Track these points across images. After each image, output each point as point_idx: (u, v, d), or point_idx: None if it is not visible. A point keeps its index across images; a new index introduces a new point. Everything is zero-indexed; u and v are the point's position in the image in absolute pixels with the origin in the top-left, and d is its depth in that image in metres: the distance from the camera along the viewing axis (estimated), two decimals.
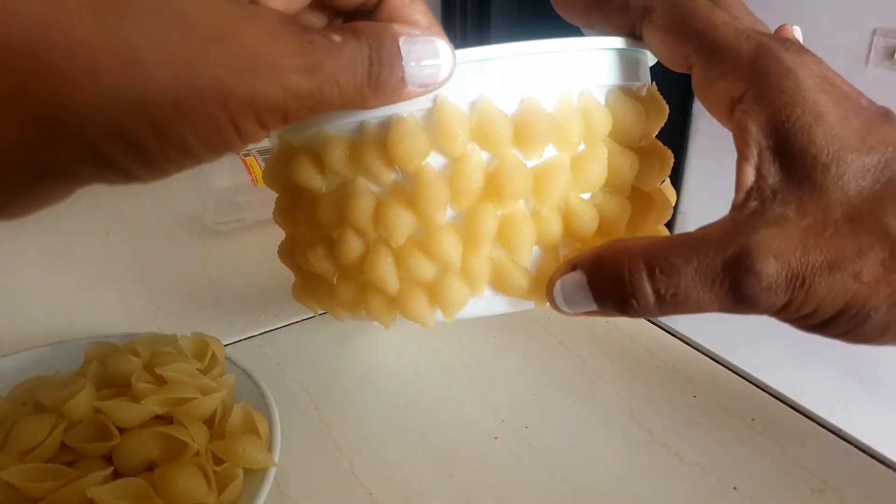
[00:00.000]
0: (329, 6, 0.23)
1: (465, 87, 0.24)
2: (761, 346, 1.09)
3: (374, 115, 0.25)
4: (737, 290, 0.20)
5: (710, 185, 1.13)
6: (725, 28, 0.22)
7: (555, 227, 0.26)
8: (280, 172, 0.29)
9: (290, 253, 0.31)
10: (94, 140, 0.17)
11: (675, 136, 1.12)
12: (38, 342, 0.34)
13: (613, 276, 0.22)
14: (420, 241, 0.26)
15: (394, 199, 0.25)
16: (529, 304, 0.28)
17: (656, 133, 0.29)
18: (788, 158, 0.21)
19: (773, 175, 0.21)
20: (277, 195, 0.30)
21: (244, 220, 0.52)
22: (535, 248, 0.26)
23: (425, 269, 0.26)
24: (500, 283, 0.26)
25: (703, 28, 0.23)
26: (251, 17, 0.18)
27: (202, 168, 0.50)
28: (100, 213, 0.55)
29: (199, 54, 0.17)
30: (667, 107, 0.28)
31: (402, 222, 0.25)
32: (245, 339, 0.39)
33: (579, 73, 0.26)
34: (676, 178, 1.14)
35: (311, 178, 0.27)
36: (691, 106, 1.12)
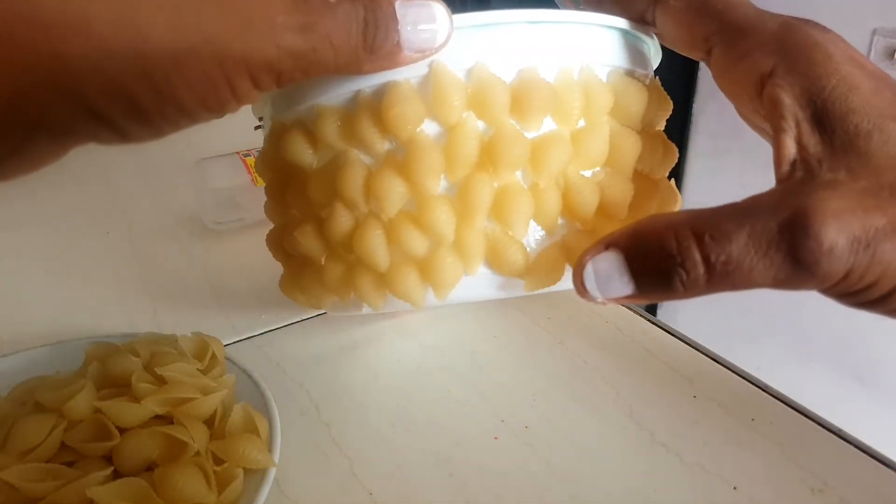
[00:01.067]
0: None
1: (463, 53, 0.24)
2: (761, 346, 1.09)
3: (368, 83, 0.24)
4: (794, 255, 0.19)
5: (710, 185, 1.13)
6: (745, 8, 0.22)
7: (553, 202, 0.25)
8: (272, 154, 0.28)
9: (279, 239, 0.30)
10: (88, 94, 0.16)
11: (675, 136, 1.12)
12: (38, 342, 0.34)
13: (657, 247, 0.20)
14: (412, 213, 0.25)
15: (386, 168, 0.25)
16: (522, 291, 0.27)
17: (661, 126, 0.29)
18: (828, 128, 0.20)
19: (814, 145, 0.20)
20: (267, 182, 0.30)
21: (244, 220, 0.52)
22: (533, 224, 0.25)
23: (417, 242, 0.25)
24: (495, 260, 0.26)
25: (723, 9, 0.23)
26: None
27: (202, 168, 0.50)
28: (100, 213, 0.55)
29: (194, 9, 0.17)
30: (670, 100, 0.28)
31: (394, 192, 0.24)
32: (245, 338, 0.39)
33: (582, 48, 0.25)
34: (676, 179, 1.13)
35: (302, 153, 0.26)
36: (691, 106, 1.12)
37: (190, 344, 0.32)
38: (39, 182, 0.60)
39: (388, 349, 0.38)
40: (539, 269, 0.26)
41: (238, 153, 0.53)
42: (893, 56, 0.86)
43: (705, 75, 1.09)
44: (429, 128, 0.24)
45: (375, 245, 0.25)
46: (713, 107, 1.09)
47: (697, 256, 0.19)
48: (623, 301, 0.22)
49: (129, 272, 0.47)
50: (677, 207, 0.29)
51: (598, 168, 0.26)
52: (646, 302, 0.22)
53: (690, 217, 0.20)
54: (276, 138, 0.27)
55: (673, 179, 0.30)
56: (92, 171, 0.62)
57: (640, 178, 0.27)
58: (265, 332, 0.39)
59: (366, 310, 0.28)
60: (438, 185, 0.24)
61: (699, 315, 1.19)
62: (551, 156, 0.24)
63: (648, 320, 0.39)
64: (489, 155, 0.24)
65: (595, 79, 0.25)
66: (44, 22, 0.15)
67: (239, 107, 0.19)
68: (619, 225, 0.26)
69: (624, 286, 0.21)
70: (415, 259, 0.26)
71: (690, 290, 0.20)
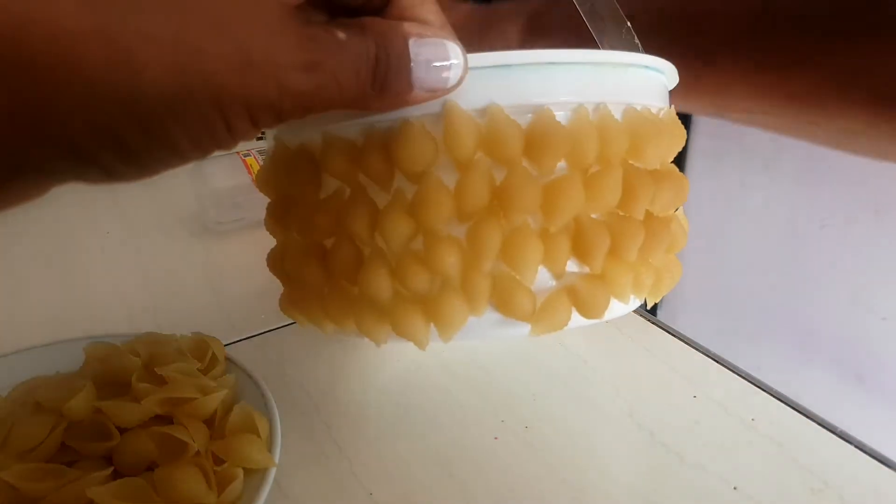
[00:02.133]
0: (334, 2, 0.21)
1: (476, 93, 0.23)
2: (761, 346, 1.09)
3: (379, 119, 0.24)
4: None
5: (711, 185, 1.13)
6: None
7: (563, 246, 0.24)
8: (274, 176, 0.28)
9: (280, 261, 0.29)
10: (75, 138, 0.16)
11: None
12: (39, 342, 0.34)
13: None
14: (419, 253, 0.24)
15: (394, 207, 0.24)
16: (528, 334, 0.26)
17: (672, 159, 0.28)
18: None
19: None
20: (269, 201, 0.29)
21: (244, 220, 0.52)
22: (542, 270, 0.25)
23: (422, 281, 0.24)
24: (501, 304, 0.25)
25: None
26: (250, 9, 0.17)
27: (202, 168, 0.50)
28: (100, 213, 0.55)
29: (192, 48, 0.16)
30: (685, 131, 0.27)
31: (402, 231, 0.24)
32: (245, 338, 0.39)
33: (597, 88, 0.25)
34: None
35: (307, 183, 0.26)
36: None
37: (190, 344, 0.32)
38: None
39: (388, 349, 0.38)
40: (546, 313, 0.25)
41: (238, 153, 0.53)
42: None
43: None
44: (440, 168, 0.24)
45: (380, 282, 0.25)
46: None
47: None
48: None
49: (129, 272, 0.47)
50: (684, 243, 0.28)
51: (610, 210, 0.25)
52: None
53: None
54: (279, 162, 0.27)
55: (683, 209, 0.29)
56: None
57: (651, 220, 0.26)
58: (265, 332, 0.39)
59: (367, 340, 0.27)
60: (447, 227, 0.24)
61: (699, 315, 1.19)
62: (564, 201, 0.24)
63: (648, 320, 0.39)
64: (500, 198, 0.24)
65: (611, 120, 0.24)
66: (32, 64, 0.14)
67: (235, 144, 0.19)
68: (628, 267, 0.26)
69: None
70: (419, 298, 0.25)
71: None
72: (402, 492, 0.28)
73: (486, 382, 0.35)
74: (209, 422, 0.28)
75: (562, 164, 0.24)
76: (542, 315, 0.25)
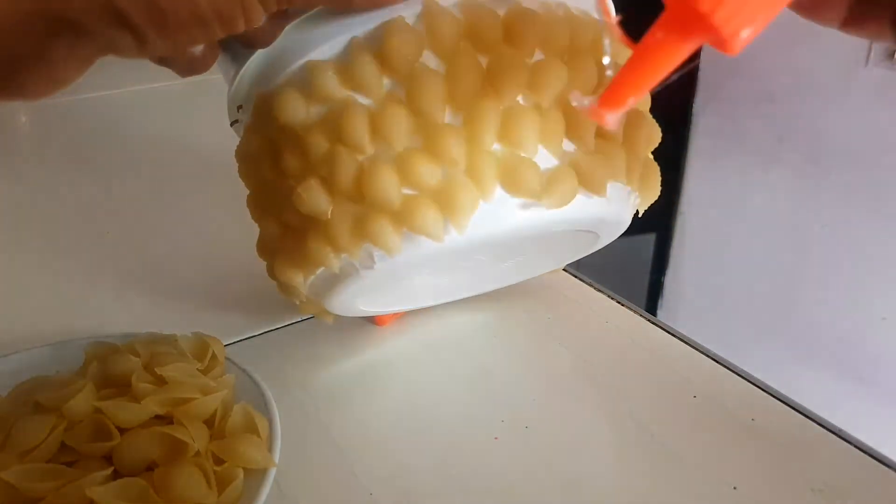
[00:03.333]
0: None
1: None
2: (761, 346, 1.09)
3: (361, 29, 0.25)
4: None
5: (711, 186, 1.13)
6: None
7: (557, 122, 0.26)
8: (260, 125, 0.28)
9: (271, 209, 0.30)
10: None
11: (676, 136, 1.12)
12: (38, 342, 0.34)
13: None
14: (419, 148, 0.25)
15: (389, 104, 0.25)
16: (546, 211, 0.27)
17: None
18: None
19: None
20: (252, 171, 0.30)
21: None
22: (542, 149, 0.26)
23: (429, 172, 0.25)
24: (509, 182, 0.26)
25: None
26: None
27: None
28: (99, 213, 0.55)
29: None
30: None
31: (401, 125, 0.25)
32: (245, 338, 0.39)
33: None
34: (676, 179, 1.14)
35: (297, 110, 0.26)
36: (691, 106, 1.12)
37: (190, 344, 0.32)
38: (39, 182, 0.60)
39: (388, 349, 0.38)
40: (554, 187, 0.26)
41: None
42: (893, 56, 0.86)
43: (705, 75, 1.09)
44: (428, 61, 0.25)
45: (387, 183, 0.25)
46: (713, 107, 1.09)
47: None
48: None
49: (129, 272, 0.46)
50: (657, 140, 0.30)
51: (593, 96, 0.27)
52: None
53: None
54: (264, 106, 0.28)
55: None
56: (92, 171, 0.62)
57: (631, 111, 0.28)
58: (265, 332, 0.39)
59: (377, 261, 0.27)
60: (444, 113, 0.25)
61: (699, 315, 1.19)
62: (550, 76, 0.25)
63: (648, 320, 0.39)
64: (490, 81, 0.25)
65: (577, 14, 0.27)
66: None
67: (246, 26, 0.21)
68: (618, 147, 0.28)
69: None
70: (429, 191, 0.26)
71: None
72: (402, 492, 0.28)
73: (486, 382, 0.35)
74: (209, 422, 0.28)
75: (538, 54, 0.26)
76: (550, 188, 0.26)
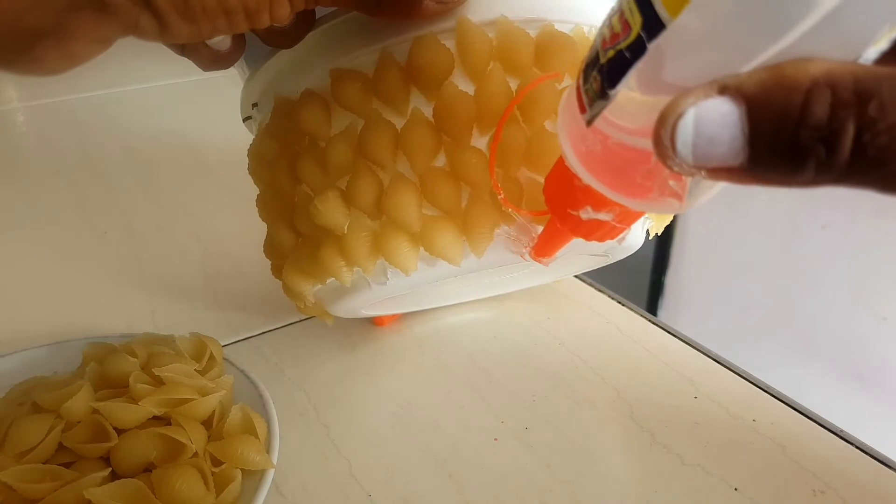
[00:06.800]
0: None
1: (485, 8, 0.24)
2: (761, 346, 1.09)
3: (392, 41, 0.24)
4: None
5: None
6: None
7: None
8: (279, 130, 0.28)
9: (283, 213, 0.29)
10: None
11: None
12: (37, 342, 0.34)
13: (800, 106, 0.14)
14: (444, 168, 0.25)
15: (416, 122, 0.24)
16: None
17: None
18: None
19: None
20: (267, 171, 0.29)
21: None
22: None
23: (450, 196, 0.24)
24: (533, 205, 0.25)
25: None
26: None
27: None
28: (99, 213, 0.55)
29: None
30: None
31: (427, 145, 0.24)
32: (243, 339, 0.39)
33: (598, 11, 0.26)
34: None
35: (320, 121, 0.26)
36: None
37: (188, 344, 0.32)
38: (39, 182, 0.60)
39: (387, 350, 0.37)
40: None
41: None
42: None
43: None
44: (457, 80, 0.25)
45: (408, 202, 0.24)
46: None
47: (851, 129, 0.13)
48: (715, 174, 0.16)
49: (127, 272, 0.46)
50: None
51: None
52: (746, 183, 0.16)
53: (855, 71, 0.13)
54: (284, 110, 0.27)
55: None
56: (91, 170, 0.62)
57: None
58: (263, 333, 0.39)
59: (391, 278, 0.27)
60: (471, 136, 0.24)
61: (699, 315, 1.19)
62: None
63: (649, 320, 0.39)
64: (519, 104, 0.24)
65: None
66: None
67: (271, 21, 0.20)
68: None
69: (734, 152, 0.15)
70: (450, 213, 0.25)
71: (821, 177, 0.14)
72: (402, 493, 0.28)
73: (486, 383, 0.35)
74: (207, 423, 0.28)
75: (567, 80, 0.25)
76: None
